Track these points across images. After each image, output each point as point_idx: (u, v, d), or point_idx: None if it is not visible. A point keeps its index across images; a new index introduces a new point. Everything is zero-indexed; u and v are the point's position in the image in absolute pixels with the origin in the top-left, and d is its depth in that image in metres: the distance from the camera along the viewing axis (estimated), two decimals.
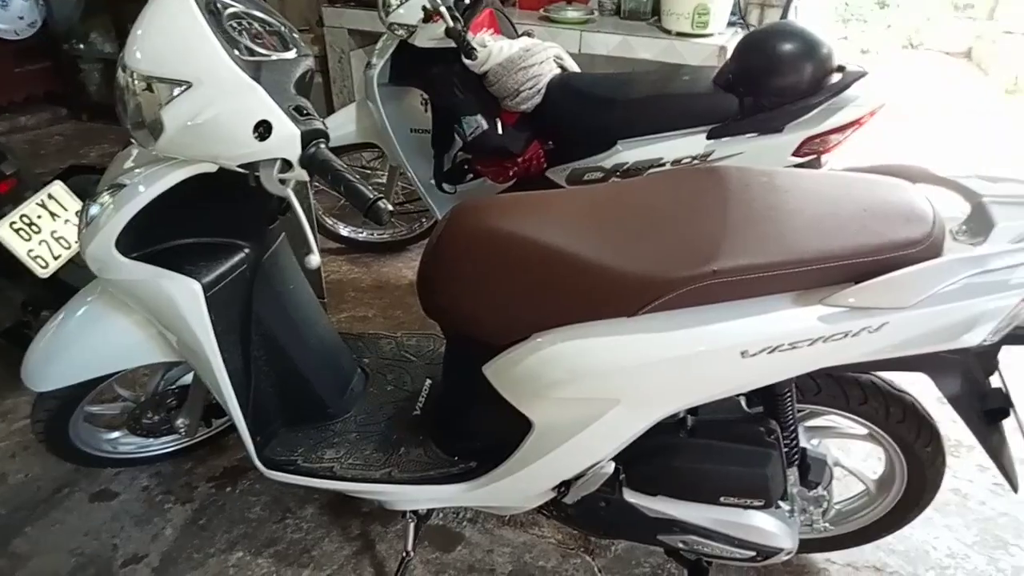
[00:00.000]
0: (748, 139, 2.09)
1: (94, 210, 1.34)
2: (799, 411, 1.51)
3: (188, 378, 1.83)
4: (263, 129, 1.13)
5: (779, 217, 1.25)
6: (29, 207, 2.01)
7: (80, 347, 1.54)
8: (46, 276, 2.01)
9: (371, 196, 1.11)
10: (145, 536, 1.85)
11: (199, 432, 1.98)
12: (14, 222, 1.96)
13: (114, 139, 4.52)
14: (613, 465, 1.40)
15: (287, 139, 1.14)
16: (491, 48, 2.20)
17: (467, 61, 2.20)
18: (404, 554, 1.66)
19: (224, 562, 1.79)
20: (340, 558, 1.80)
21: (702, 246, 1.20)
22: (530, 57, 2.20)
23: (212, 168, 1.26)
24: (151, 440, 1.95)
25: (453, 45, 2.19)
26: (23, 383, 1.58)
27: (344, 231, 3.10)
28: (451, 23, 2.12)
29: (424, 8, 2.19)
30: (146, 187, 1.26)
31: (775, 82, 2.04)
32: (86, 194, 2.13)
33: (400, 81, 2.50)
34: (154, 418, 1.83)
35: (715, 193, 1.32)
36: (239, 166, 1.19)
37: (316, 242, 1.20)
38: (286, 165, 1.17)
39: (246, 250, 1.45)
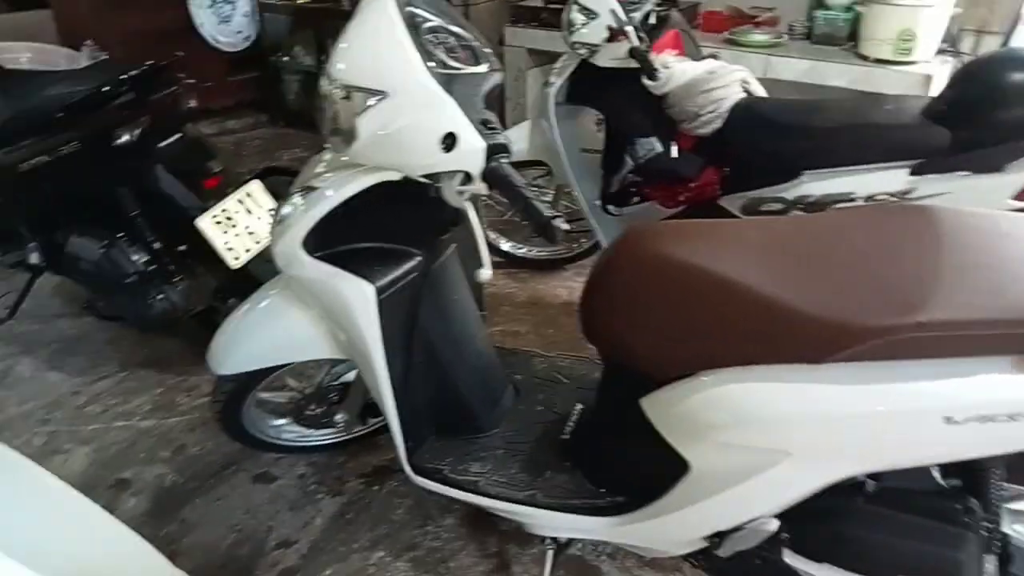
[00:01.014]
0: (959, 177, 1.87)
1: (286, 210, 1.42)
2: (1005, 491, 1.30)
3: (351, 375, 1.90)
4: (450, 141, 1.14)
5: (1000, 267, 1.09)
6: (229, 202, 2.19)
7: (260, 337, 1.64)
8: (237, 267, 2.18)
9: (548, 215, 1.09)
10: (297, 522, 1.94)
11: (355, 428, 2.05)
12: (216, 215, 2.15)
13: (306, 144, 4.89)
14: (776, 523, 1.27)
15: (472, 152, 1.15)
16: (674, 69, 2.14)
17: (648, 82, 2.14)
18: None
19: (365, 559, 1.83)
20: (475, 574, 1.79)
21: (906, 293, 1.06)
22: (714, 80, 2.11)
23: (396, 176, 1.29)
24: (311, 430, 2.05)
25: (634, 66, 2.15)
26: (207, 364, 1.71)
27: (505, 246, 3.13)
28: (636, 43, 2.08)
29: (609, 28, 2.16)
30: (335, 191, 1.31)
31: (999, 115, 1.81)
32: (280, 194, 2.30)
33: (576, 101, 2.49)
34: (317, 410, 1.92)
35: (924, 235, 1.17)
36: (422, 176, 1.21)
37: (488, 256, 1.20)
38: (467, 178, 1.18)
39: (418, 258, 1.48)
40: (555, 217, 1.09)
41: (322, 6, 4.76)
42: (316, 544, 1.88)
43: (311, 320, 1.60)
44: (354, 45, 1.20)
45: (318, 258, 1.39)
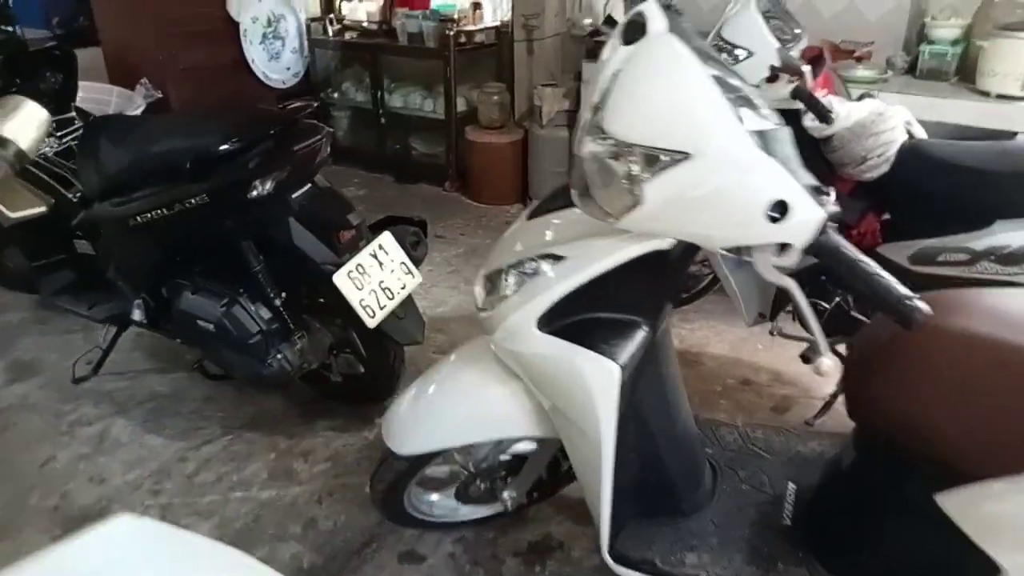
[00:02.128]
0: None
1: (511, 279, 1.27)
2: None
3: (521, 447, 1.74)
4: (780, 210, 1.00)
5: None
6: (363, 256, 2.04)
7: (451, 414, 1.49)
8: (373, 326, 2.02)
9: (901, 293, 0.94)
10: None
11: (518, 504, 1.88)
12: (351, 271, 2.00)
13: (359, 181, 4.76)
14: None
15: (806, 222, 1.01)
16: (838, 111, 2.02)
17: (813, 124, 2.02)
18: None
19: None
20: None
21: None
22: (883, 122, 1.99)
23: (668, 244, 1.15)
24: (466, 506, 1.88)
25: (792, 107, 2.03)
26: (384, 442, 1.55)
27: None
28: (808, 84, 1.96)
29: (772, 68, 2.05)
30: (594, 262, 1.17)
31: None
32: (403, 245, 2.16)
33: None
34: (482, 487, 1.76)
35: None
36: (725, 248, 1.07)
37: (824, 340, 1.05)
38: (783, 248, 1.03)
39: (645, 328, 1.33)
40: (912, 297, 0.94)
41: (372, 41, 4.67)
42: None
43: (511, 395, 1.45)
44: (641, 97, 1.05)
45: (549, 332, 1.25)
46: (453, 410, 1.48)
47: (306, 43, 4.95)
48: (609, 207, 1.09)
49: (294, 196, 1.98)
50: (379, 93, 4.64)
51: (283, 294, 2.09)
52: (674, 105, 1.04)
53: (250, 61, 4.67)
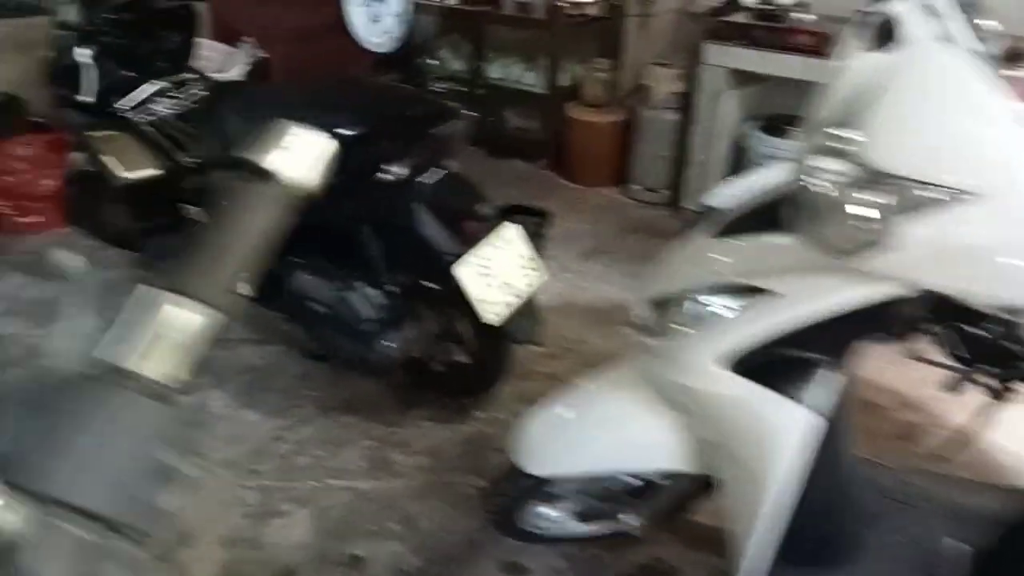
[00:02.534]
0: None
1: (689, 307, 1.13)
2: None
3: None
4: None
5: None
6: (486, 248, 1.92)
7: (593, 439, 1.37)
8: (497, 323, 1.91)
9: None
10: None
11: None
12: (473, 263, 1.88)
13: None
14: None
15: None
16: None
17: None
18: None
19: None
20: None
21: None
22: None
23: (911, 292, 0.98)
24: (575, 523, 1.77)
25: None
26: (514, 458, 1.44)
27: None
28: None
29: None
30: (814, 302, 1.01)
31: None
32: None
33: None
34: (603, 507, 1.64)
35: None
36: (998, 307, 0.90)
37: None
38: None
39: (845, 372, 1.17)
40: None
41: (477, 8, 4.51)
42: None
43: (664, 427, 1.31)
44: (918, 122, 0.88)
45: (734, 370, 1.10)
46: (596, 435, 1.36)
47: (410, 6, 4.82)
48: (839, 241, 0.93)
49: (421, 180, 1.87)
50: (479, 62, 4.49)
51: (399, 279, 2.00)
52: (964, 135, 0.86)
53: (351, 23, 4.58)
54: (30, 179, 3.25)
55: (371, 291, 2.00)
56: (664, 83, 3.78)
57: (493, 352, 2.11)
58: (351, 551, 1.86)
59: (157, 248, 2.56)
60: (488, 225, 1.95)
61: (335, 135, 1.70)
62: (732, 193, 2.43)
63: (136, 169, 2.32)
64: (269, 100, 2.10)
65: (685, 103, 3.68)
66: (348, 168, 1.76)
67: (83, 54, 2.35)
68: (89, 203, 2.74)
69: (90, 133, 2.39)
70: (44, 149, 3.26)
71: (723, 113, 3.51)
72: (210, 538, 1.85)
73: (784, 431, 1.08)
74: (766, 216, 1.16)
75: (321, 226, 2.02)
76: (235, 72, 3.70)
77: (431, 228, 1.87)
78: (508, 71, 4.43)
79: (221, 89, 2.17)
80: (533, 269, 2.02)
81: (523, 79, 4.39)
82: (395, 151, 1.73)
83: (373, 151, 1.75)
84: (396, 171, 1.76)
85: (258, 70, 3.92)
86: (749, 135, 3.45)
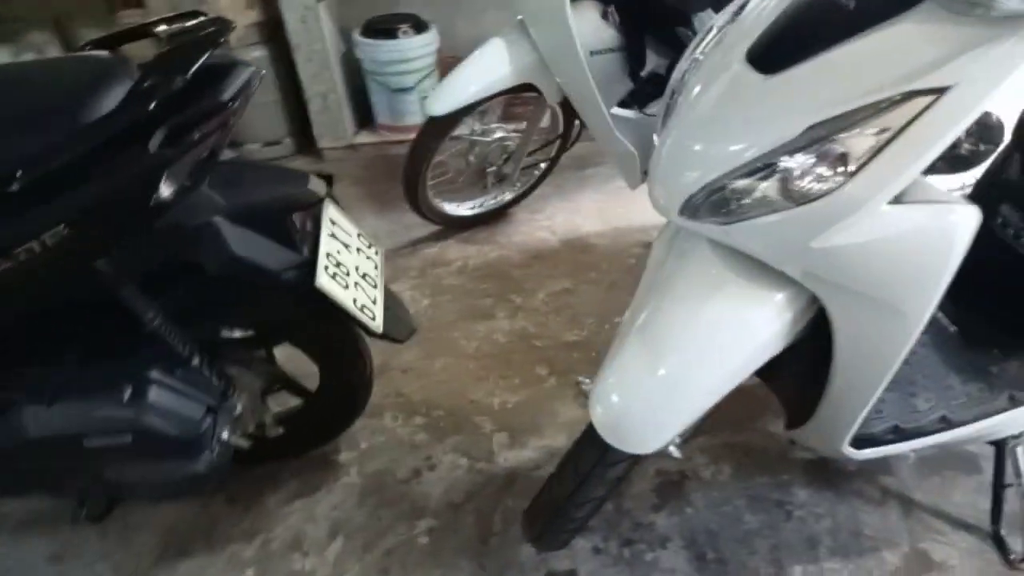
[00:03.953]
0: None
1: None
2: None
3: None
4: None
5: None
6: (329, 242, 1.38)
7: (707, 371, 1.11)
8: (381, 330, 1.41)
9: None
10: None
11: None
12: (327, 266, 1.34)
13: None
14: None
15: None
16: None
17: None
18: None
19: None
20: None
21: None
22: None
23: None
24: None
25: None
26: None
27: (457, 209, 2.62)
28: None
29: None
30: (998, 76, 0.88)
31: None
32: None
33: None
34: None
35: None
36: None
37: None
38: None
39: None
40: None
41: None
42: None
43: (777, 308, 1.10)
44: None
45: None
46: (710, 365, 1.11)
47: None
48: None
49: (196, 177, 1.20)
50: None
51: (201, 339, 1.34)
52: None
53: None
54: None
55: (171, 376, 1.30)
56: (233, 15, 3.15)
57: (354, 368, 1.60)
58: None
59: None
60: (310, 213, 1.40)
61: (39, 155, 0.99)
62: (460, 91, 2.21)
63: None
64: None
65: (270, 32, 3.16)
66: (89, 204, 1.04)
67: None
68: None
69: None
70: None
71: (321, 32, 3.10)
72: None
73: (952, 237, 1.00)
74: (807, 35, 1.02)
75: (63, 312, 1.24)
76: None
77: (250, 245, 1.25)
78: None
79: None
80: (369, 245, 1.54)
81: None
82: (166, 154, 1.06)
83: (133, 165, 1.04)
84: (176, 183, 1.09)
85: None
86: (357, 45, 3.15)
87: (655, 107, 2.30)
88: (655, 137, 1.22)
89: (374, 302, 1.44)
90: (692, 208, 1.06)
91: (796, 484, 1.60)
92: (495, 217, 2.70)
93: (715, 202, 1.04)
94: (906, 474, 1.61)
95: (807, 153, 0.95)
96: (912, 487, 1.57)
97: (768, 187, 0.99)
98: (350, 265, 1.41)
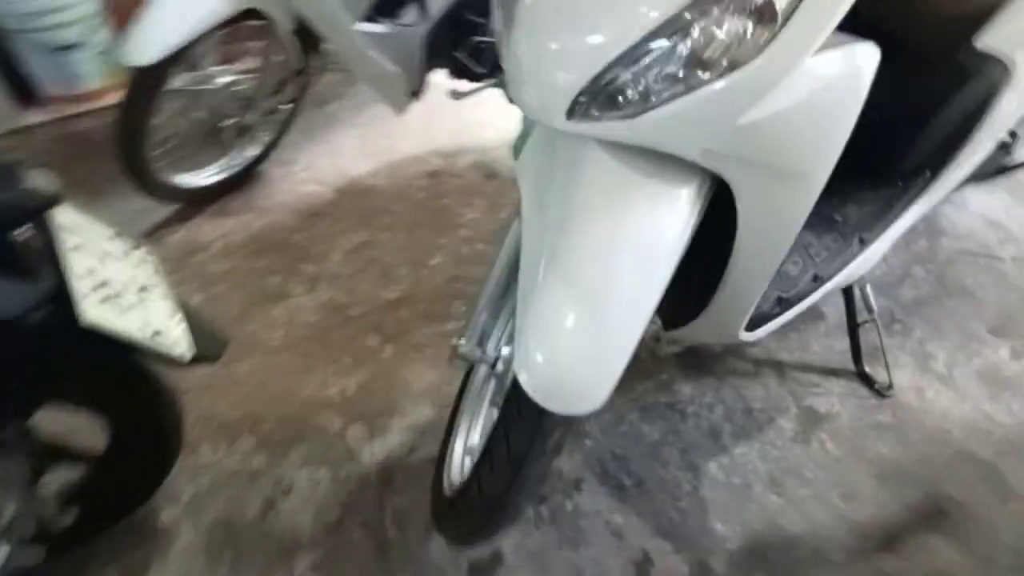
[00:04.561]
0: None
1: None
2: None
3: None
4: None
5: None
6: (79, 260, 0.96)
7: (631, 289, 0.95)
8: (191, 353, 1.05)
9: None
10: None
11: None
12: (93, 289, 0.94)
13: None
14: None
15: None
16: None
17: None
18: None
19: None
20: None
21: None
22: None
23: None
24: None
25: None
26: None
27: (188, 179, 2.15)
28: None
29: None
30: None
31: None
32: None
33: None
34: None
35: None
36: None
37: None
38: None
39: None
40: None
41: None
42: None
43: (683, 197, 0.97)
44: None
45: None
46: (638, 282, 0.95)
47: None
48: None
49: None
50: None
51: None
52: None
53: None
54: None
55: None
56: None
57: (153, 416, 1.21)
58: None
59: None
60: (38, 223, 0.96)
61: None
62: (170, 29, 1.75)
63: None
64: None
65: None
66: None
67: None
68: None
69: None
70: None
71: None
72: None
73: (861, 74, 0.92)
74: None
75: None
76: None
77: None
78: None
79: None
80: (134, 247, 1.14)
81: None
82: None
83: None
84: None
85: None
86: None
87: (410, 15, 2.03)
88: (498, 32, 1.00)
89: (171, 318, 1.06)
90: (582, 108, 0.88)
91: (677, 380, 1.56)
92: (244, 180, 2.27)
93: (610, 95, 0.87)
94: (766, 340, 1.65)
95: (720, 7, 0.80)
96: (776, 349, 1.62)
97: (677, 62, 0.83)
98: (120, 280, 1.02)
